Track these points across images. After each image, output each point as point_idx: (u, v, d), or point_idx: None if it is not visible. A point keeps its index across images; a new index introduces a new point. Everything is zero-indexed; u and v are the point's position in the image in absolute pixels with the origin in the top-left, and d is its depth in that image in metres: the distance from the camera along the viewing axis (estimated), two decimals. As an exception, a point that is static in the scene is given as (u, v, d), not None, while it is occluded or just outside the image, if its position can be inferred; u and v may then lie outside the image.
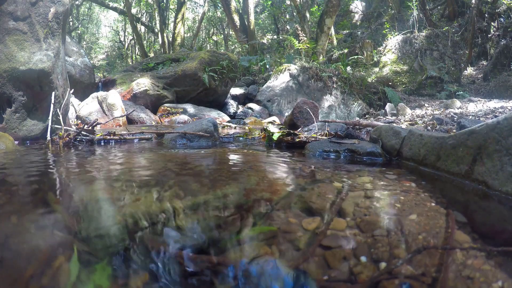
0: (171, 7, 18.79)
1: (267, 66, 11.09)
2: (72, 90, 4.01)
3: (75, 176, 1.61)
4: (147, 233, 0.91)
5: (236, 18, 14.42)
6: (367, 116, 7.47)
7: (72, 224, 0.98)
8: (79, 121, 4.92)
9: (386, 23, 12.87)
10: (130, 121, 5.50)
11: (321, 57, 10.52)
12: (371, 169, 1.66)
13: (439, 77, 9.48)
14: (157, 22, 17.66)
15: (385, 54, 11.00)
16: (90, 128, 3.09)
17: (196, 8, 24.01)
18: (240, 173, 1.62)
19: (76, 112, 5.14)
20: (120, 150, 2.44)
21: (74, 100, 5.39)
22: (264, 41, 16.22)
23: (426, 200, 1.12)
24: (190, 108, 6.67)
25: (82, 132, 2.88)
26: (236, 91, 8.99)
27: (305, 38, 10.48)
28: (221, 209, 1.07)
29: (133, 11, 18.38)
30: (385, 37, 11.75)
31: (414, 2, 11.24)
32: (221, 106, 7.95)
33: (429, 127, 3.79)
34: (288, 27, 16.91)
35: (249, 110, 7.45)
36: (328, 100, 7.96)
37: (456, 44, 10.68)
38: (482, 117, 4.86)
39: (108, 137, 2.92)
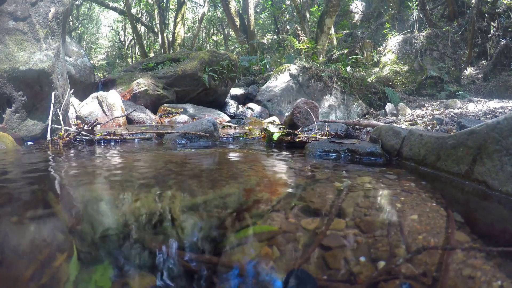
0: (171, 7, 18.79)
1: (267, 66, 11.09)
2: (72, 90, 4.01)
3: (75, 176, 1.61)
4: (147, 233, 0.91)
5: (236, 18, 14.42)
6: (367, 116, 7.46)
7: (72, 224, 0.98)
8: (79, 121, 4.92)
9: (386, 23, 12.87)
10: (130, 121, 5.50)
11: (321, 57, 10.52)
12: (371, 169, 1.66)
13: (439, 77, 9.48)
14: (157, 22, 17.65)
15: (385, 54, 11.00)
16: (90, 128, 3.09)
17: (196, 8, 24.01)
18: (240, 173, 1.62)
19: (76, 112, 5.14)
20: (120, 150, 2.44)
21: (74, 100, 5.39)
22: (264, 41, 16.22)
23: (426, 200, 1.12)
24: (190, 108, 6.66)
25: (82, 132, 2.88)
26: (236, 91, 8.98)
27: (305, 38, 10.48)
28: (221, 209, 1.07)
29: (133, 11, 18.37)
30: (385, 37, 11.75)
31: (414, 2, 11.23)
32: (221, 106, 7.94)
33: (429, 127, 3.79)
34: (288, 27, 16.90)
35: (249, 110, 7.45)
36: (328, 100, 7.96)
37: (456, 44, 10.68)
38: (482, 117, 4.86)
39: (108, 137, 2.92)
